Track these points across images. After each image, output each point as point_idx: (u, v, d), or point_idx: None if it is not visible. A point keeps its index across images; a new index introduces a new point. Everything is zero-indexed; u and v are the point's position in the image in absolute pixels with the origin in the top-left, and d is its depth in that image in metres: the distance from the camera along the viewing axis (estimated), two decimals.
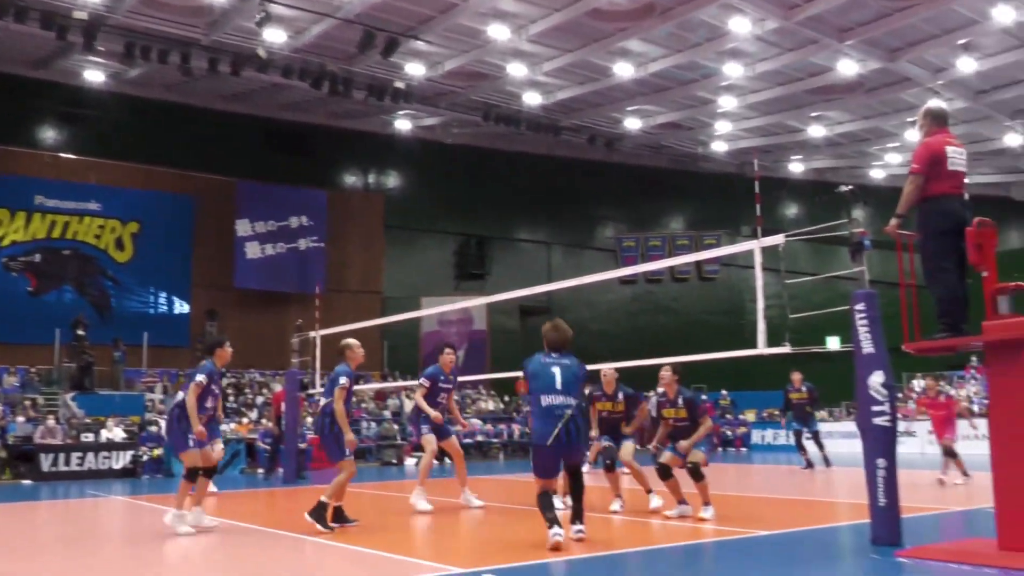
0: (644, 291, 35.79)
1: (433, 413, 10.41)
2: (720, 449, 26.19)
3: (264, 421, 21.28)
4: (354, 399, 25.27)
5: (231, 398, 24.00)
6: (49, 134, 27.58)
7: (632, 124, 30.89)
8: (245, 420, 21.50)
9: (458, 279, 33.80)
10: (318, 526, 8.31)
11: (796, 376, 16.82)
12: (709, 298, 35.94)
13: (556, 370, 7.17)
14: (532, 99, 27.96)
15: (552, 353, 7.37)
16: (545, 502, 7.10)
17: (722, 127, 31.35)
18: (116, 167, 27.48)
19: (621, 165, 34.68)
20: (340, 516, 8.93)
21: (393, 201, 32.49)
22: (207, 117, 28.46)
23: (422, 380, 10.59)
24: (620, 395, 10.52)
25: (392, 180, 33.42)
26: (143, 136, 27.55)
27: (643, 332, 33.99)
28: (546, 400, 7.04)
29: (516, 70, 25.69)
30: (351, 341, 9.07)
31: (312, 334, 17.05)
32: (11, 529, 9.67)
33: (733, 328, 33.71)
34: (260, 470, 17.74)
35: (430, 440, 10.42)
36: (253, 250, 29.00)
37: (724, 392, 29.00)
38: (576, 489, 7.34)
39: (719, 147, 33.50)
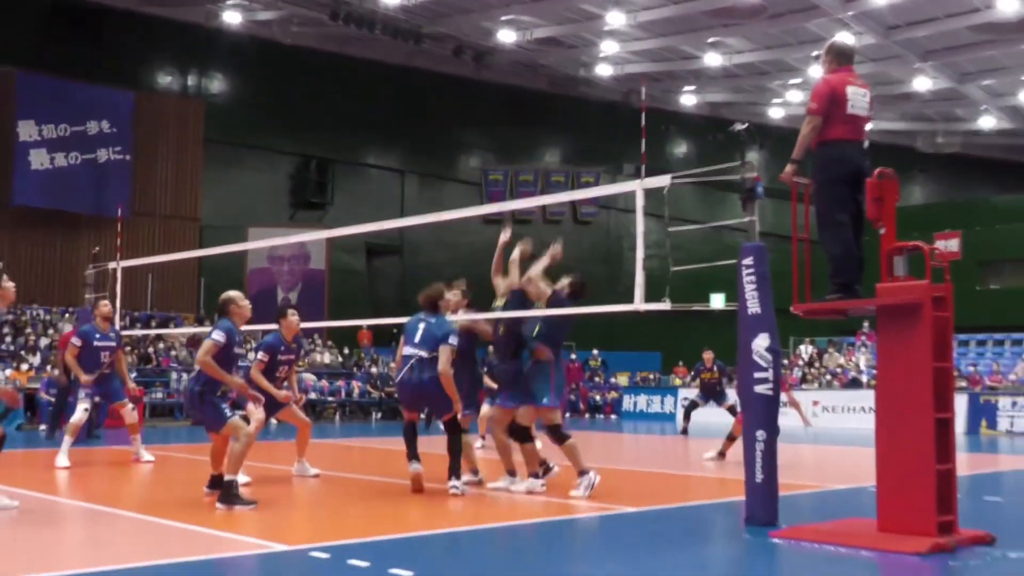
0: (511, 233, 36.02)
1: (281, 394, 10.00)
2: (587, 415, 26.96)
3: (49, 368, 20.48)
4: (162, 345, 24.76)
5: (7, 339, 22.94)
6: None
7: (506, 37, 30.86)
8: (25, 367, 20.60)
9: (293, 208, 33.24)
10: (237, 508, 7.92)
11: (708, 355, 17.65)
12: (584, 244, 36.63)
13: (421, 326, 9.15)
14: None
15: (422, 312, 9.37)
16: (407, 435, 9.21)
17: (608, 47, 31.74)
18: None
19: (490, 84, 34.68)
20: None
21: (216, 110, 31.45)
22: None
23: (260, 355, 10.08)
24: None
25: (216, 84, 32.35)
26: None
27: None
28: (405, 351, 9.10)
29: None
30: (234, 294, 8.86)
31: (112, 265, 16.40)
32: None
33: (608, 279, 34.57)
34: (42, 427, 17.05)
35: (255, 412, 9.80)
36: (39, 159, 27.59)
37: (595, 352, 29.78)
38: (450, 443, 9.03)
39: (603, 71, 33.93)
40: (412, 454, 9.15)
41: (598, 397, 27.99)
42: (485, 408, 12.95)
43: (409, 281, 34.27)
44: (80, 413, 11.78)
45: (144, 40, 29.98)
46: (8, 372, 19.81)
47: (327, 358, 27.45)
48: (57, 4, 28.10)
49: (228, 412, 8.41)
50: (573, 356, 28.91)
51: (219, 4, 29.29)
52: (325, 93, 32.05)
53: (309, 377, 24.48)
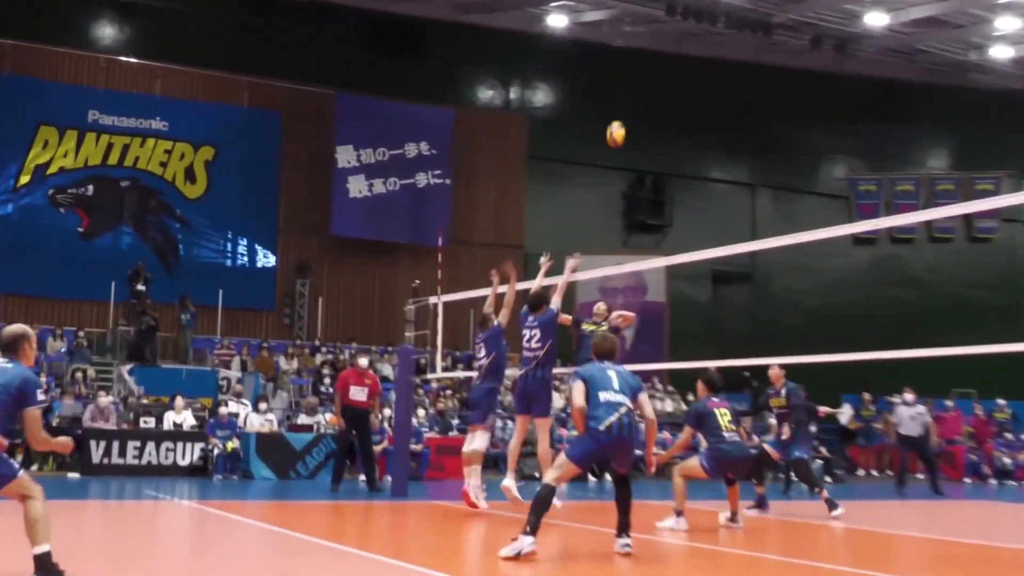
0: (887, 254, 34.69)
1: None
2: (994, 481, 25.16)
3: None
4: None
5: (326, 380, 24.64)
6: (105, 31, 28.96)
7: (875, 20, 29.82)
8: None
9: (627, 231, 33.61)
10: None
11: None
12: (981, 266, 34.53)
13: (612, 374, 9.19)
14: None
15: (604, 361, 9.40)
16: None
17: (1006, 24, 29.86)
18: (186, 74, 28.67)
19: (858, 77, 33.58)
20: None
21: (540, 123, 32.36)
22: (297, 9, 29.03)
23: None
24: (784, 391, 13.87)
25: (540, 95, 33.37)
26: (220, 34, 28.53)
27: (882, 312, 32.94)
28: (604, 396, 8.97)
29: None
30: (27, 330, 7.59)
31: (433, 300, 17.23)
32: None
33: (1015, 309, 32.39)
34: (361, 477, 18.12)
35: None
36: (357, 186, 29.48)
37: (1001, 401, 27.74)
38: (623, 499, 9.12)
39: (1001, 52, 31.97)
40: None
41: (1007, 460, 25.89)
42: None
43: (762, 313, 33.73)
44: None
45: (463, 52, 31.39)
46: (328, 416, 21.09)
47: (668, 406, 27.24)
48: (374, 20, 30.05)
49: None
50: (978, 408, 27.12)
51: (542, 7, 30.28)
52: (661, 99, 32.12)
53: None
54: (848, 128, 34.76)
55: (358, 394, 16.63)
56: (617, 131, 12.69)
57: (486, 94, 33.10)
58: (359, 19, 29.99)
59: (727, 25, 29.24)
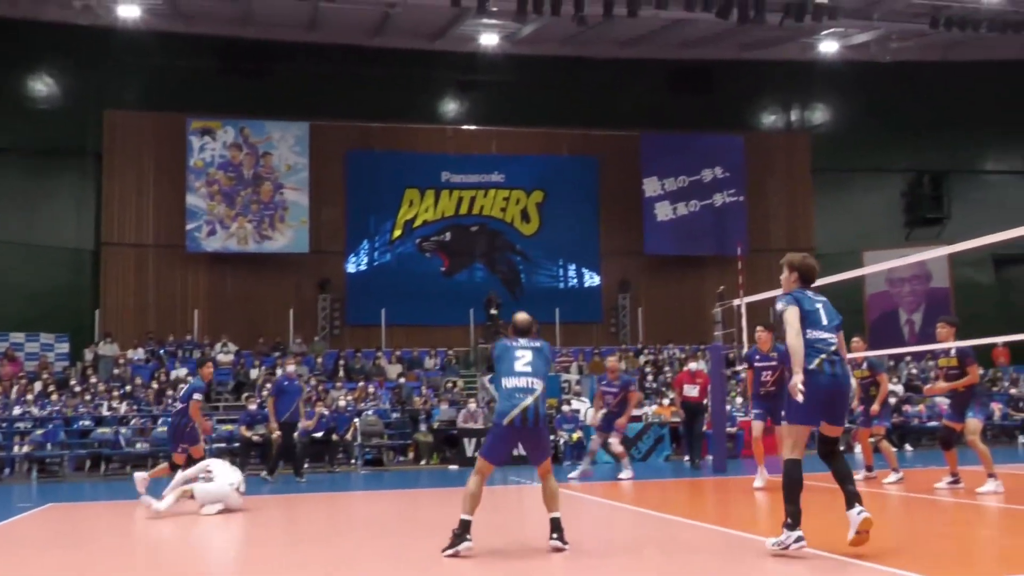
0: None
1: None
2: None
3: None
4: None
5: (649, 377, 24.69)
6: (449, 106, 30.46)
7: None
8: (666, 402, 21.95)
9: (908, 226, 31.69)
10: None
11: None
12: None
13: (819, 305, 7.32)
14: None
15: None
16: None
17: None
18: (516, 134, 29.69)
19: None
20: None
21: (821, 139, 31.34)
22: (604, 68, 29.52)
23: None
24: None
25: (818, 114, 32.19)
26: (541, 97, 29.31)
27: None
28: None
29: None
30: None
31: (736, 302, 16.89)
32: (447, 515, 10.62)
33: None
34: (686, 457, 17.96)
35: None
36: (663, 211, 29.60)
37: None
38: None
39: None
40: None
41: None
42: None
43: None
44: None
45: (747, 85, 30.82)
46: (653, 408, 21.21)
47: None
48: (670, 67, 29.96)
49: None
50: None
51: (814, 36, 29.10)
52: (932, 105, 30.16)
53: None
54: None
55: (691, 391, 17.16)
56: None
57: (769, 119, 32.28)
58: (658, 68, 29.95)
59: (990, 29, 26.86)
